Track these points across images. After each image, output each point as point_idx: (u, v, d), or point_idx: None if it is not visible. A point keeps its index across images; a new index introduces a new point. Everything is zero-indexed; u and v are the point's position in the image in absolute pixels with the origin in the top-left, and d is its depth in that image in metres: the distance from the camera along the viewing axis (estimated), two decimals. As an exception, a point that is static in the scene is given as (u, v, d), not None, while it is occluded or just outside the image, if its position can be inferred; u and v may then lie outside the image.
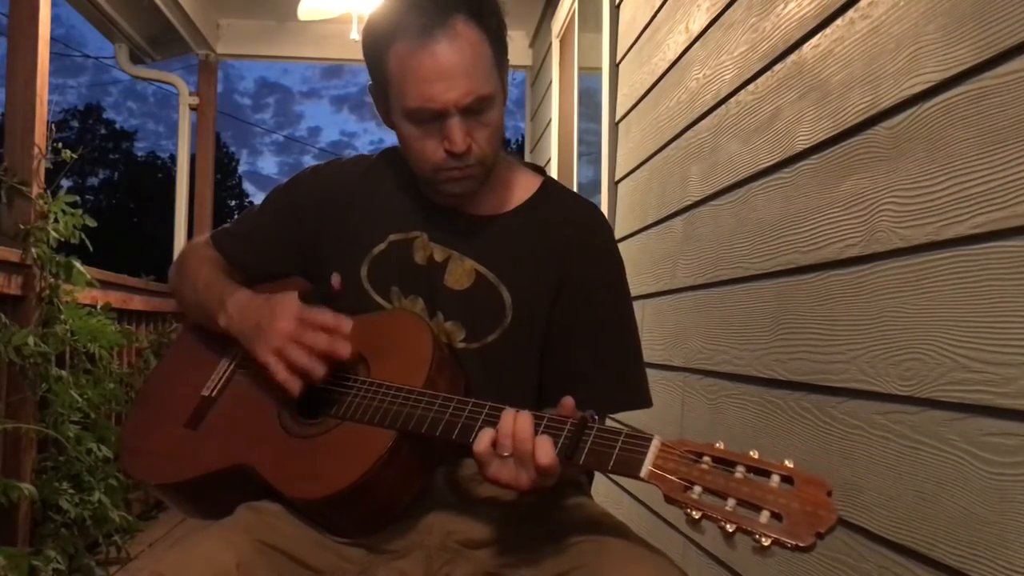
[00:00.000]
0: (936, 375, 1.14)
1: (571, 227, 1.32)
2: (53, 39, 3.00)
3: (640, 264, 2.58)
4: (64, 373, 2.85)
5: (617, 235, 2.77)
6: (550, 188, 1.37)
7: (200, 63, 5.29)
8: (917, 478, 1.18)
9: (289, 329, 1.20)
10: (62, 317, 2.83)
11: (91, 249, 2.94)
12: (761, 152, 1.76)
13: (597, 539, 1.13)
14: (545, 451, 1.01)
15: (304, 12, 4.16)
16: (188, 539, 1.11)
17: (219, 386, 1.32)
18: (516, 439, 1.03)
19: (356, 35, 4.05)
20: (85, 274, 2.89)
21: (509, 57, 1.27)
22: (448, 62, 1.17)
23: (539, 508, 1.20)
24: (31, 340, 2.59)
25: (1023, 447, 0.99)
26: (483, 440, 1.05)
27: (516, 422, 1.04)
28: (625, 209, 2.92)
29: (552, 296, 1.28)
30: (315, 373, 1.18)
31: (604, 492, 2.77)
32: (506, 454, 1.03)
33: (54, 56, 3.19)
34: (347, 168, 1.41)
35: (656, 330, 2.41)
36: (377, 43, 1.22)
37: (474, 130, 1.21)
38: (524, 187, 1.35)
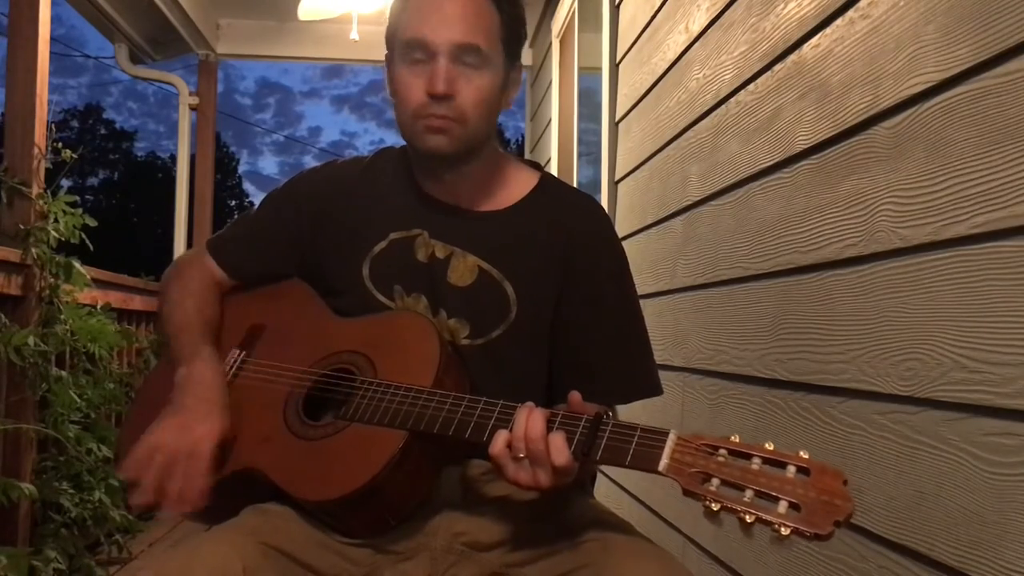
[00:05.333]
0: (936, 375, 1.14)
1: (572, 220, 1.32)
2: (53, 39, 3.00)
3: (640, 264, 2.58)
4: (64, 373, 2.84)
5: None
6: (548, 183, 1.37)
7: (200, 63, 5.28)
8: (917, 478, 1.18)
9: (191, 447, 1.17)
10: (62, 317, 2.82)
11: (91, 249, 2.94)
12: (761, 152, 1.76)
13: (602, 538, 1.13)
14: (559, 449, 1.01)
15: (304, 12, 4.16)
16: (193, 541, 1.10)
17: None
18: (528, 439, 1.03)
19: (356, 35, 4.05)
20: (84, 275, 2.89)
21: (520, 49, 1.31)
22: (449, 4, 1.22)
23: (543, 508, 1.20)
24: (31, 340, 2.59)
25: (1023, 447, 0.99)
26: (498, 443, 1.05)
27: (529, 422, 1.04)
28: (625, 209, 2.92)
29: (556, 290, 1.28)
30: (160, 493, 1.15)
31: (604, 492, 2.77)
32: (520, 455, 1.03)
33: (54, 56, 3.19)
34: (344, 169, 1.41)
35: (656, 330, 2.41)
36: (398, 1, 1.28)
37: (460, 81, 1.22)
38: (522, 183, 1.35)
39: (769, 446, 0.92)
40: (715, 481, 0.91)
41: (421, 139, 1.25)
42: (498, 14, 1.25)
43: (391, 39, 1.29)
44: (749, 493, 0.89)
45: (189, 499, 1.16)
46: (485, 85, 1.24)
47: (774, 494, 0.88)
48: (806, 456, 0.90)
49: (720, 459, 0.93)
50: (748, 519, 0.87)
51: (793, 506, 0.87)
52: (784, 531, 0.85)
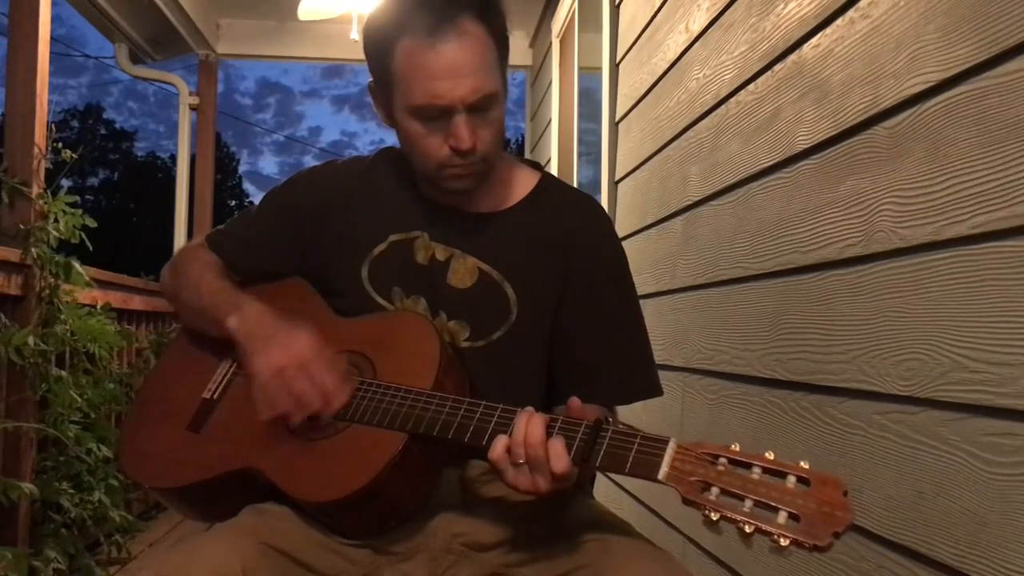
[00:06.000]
0: (936, 375, 1.14)
1: (572, 221, 1.32)
2: (53, 39, 3.00)
3: (640, 264, 2.57)
4: (64, 373, 2.85)
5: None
6: (548, 183, 1.37)
7: (200, 63, 5.29)
8: (917, 478, 1.18)
9: (304, 354, 1.17)
10: (62, 317, 2.83)
11: (91, 249, 2.94)
12: (761, 152, 1.76)
13: (602, 538, 1.13)
14: (558, 456, 1.01)
15: (304, 12, 4.16)
16: (192, 541, 1.10)
17: (221, 388, 1.31)
18: (528, 445, 1.02)
19: (356, 35, 4.05)
20: (83, 275, 2.89)
21: (509, 57, 1.27)
22: (457, 60, 1.17)
23: (543, 508, 1.19)
24: (31, 340, 2.59)
25: (1023, 447, 0.99)
26: (497, 448, 1.04)
27: (528, 427, 1.03)
28: (625, 209, 2.92)
29: (557, 290, 1.28)
30: (307, 405, 1.15)
31: (604, 492, 2.77)
32: (520, 461, 1.03)
33: (54, 56, 3.18)
34: (344, 169, 1.41)
35: (656, 330, 2.40)
36: (381, 40, 1.22)
37: (479, 127, 1.21)
38: (523, 183, 1.35)
39: (770, 455, 0.92)
40: (715, 490, 0.91)
41: (446, 183, 1.25)
42: (491, 39, 1.21)
43: (386, 80, 1.23)
44: (748, 503, 0.89)
45: (332, 393, 1.16)
46: (499, 119, 1.24)
47: (774, 504, 0.88)
48: (806, 466, 0.90)
49: (720, 468, 0.92)
50: (747, 529, 0.87)
51: (792, 517, 0.86)
52: (783, 542, 0.85)
